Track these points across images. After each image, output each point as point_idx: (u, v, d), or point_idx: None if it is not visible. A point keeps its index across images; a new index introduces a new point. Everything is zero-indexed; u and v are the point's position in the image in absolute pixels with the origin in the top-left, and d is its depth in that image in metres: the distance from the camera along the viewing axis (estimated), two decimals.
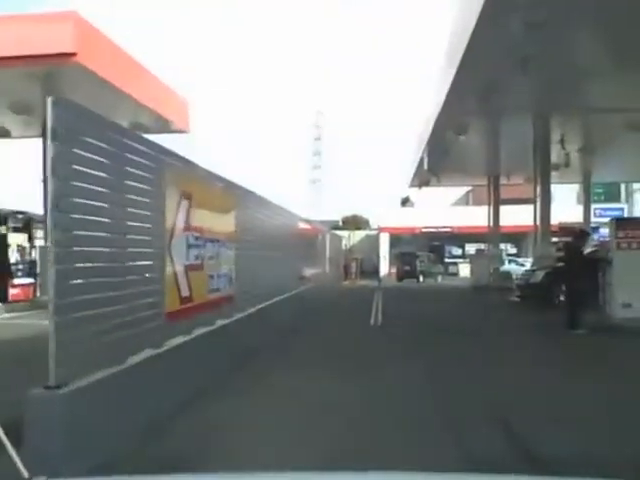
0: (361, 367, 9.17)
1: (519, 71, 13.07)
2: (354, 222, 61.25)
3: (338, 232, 44.51)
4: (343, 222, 61.91)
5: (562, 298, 18.50)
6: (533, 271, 19.62)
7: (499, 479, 3.09)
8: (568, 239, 14.61)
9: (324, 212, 61.13)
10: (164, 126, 21.01)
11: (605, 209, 39.64)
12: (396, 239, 46.05)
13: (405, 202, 56.69)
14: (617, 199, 43.18)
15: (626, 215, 41.89)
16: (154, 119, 20.05)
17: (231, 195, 9.41)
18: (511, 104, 17.36)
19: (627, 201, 42.55)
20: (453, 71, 15.14)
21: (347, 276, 31.34)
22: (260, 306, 10.97)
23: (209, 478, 2.98)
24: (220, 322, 8.63)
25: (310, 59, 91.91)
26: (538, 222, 22.55)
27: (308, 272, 18.80)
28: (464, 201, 52.94)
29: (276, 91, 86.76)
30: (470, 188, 50.59)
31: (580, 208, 36.09)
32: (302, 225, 17.91)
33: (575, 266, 13.10)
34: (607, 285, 13.34)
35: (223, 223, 8.91)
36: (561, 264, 20.88)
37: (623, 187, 43.49)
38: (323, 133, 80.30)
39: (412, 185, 31.93)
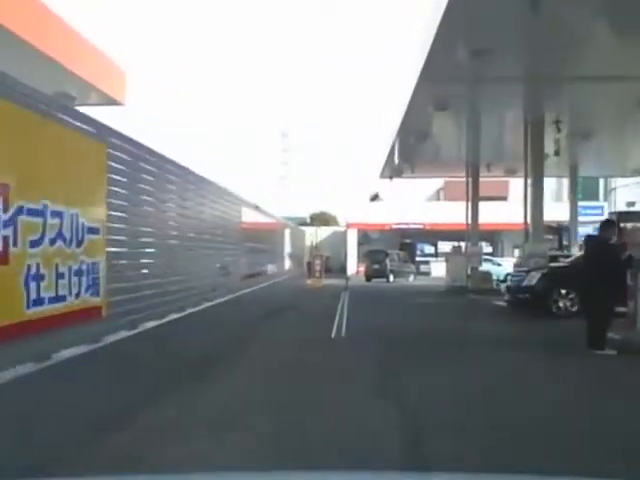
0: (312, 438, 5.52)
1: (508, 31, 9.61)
2: (322, 219, 57.76)
3: (303, 228, 40.94)
4: (311, 219, 58.35)
5: (561, 305, 15.17)
6: (527, 272, 16.15)
7: (499, 479, 2.85)
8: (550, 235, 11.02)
9: (293, 209, 57.54)
10: (95, 96, 17.48)
11: (584, 207, 36.67)
12: (365, 236, 42.53)
13: (374, 198, 53.25)
14: (596, 197, 40.24)
15: (605, 215, 39.08)
16: (82, 87, 16.46)
17: (101, 150, 5.70)
18: (497, 72, 13.85)
19: (606, 199, 39.60)
20: (436, 24, 11.58)
21: (311, 274, 27.67)
22: (164, 320, 7.29)
23: (209, 478, 2.74)
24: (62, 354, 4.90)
25: (278, 56, 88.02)
26: (529, 217, 19.05)
27: (261, 270, 15.15)
28: (435, 199, 49.67)
29: (243, 87, 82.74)
30: (441, 185, 47.38)
31: (558, 206, 33.11)
32: (256, 216, 14.24)
33: (604, 266, 9.61)
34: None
35: (82, 189, 5.20)
36: (558, 264, 17.30)
37: (602, 184, 40.59)
38: (292, 128, 76.52)
39: (383, 176, 28.35)
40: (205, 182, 9.49)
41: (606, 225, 10.23)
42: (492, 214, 33.00)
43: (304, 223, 51.28)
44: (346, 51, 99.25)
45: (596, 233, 10.87)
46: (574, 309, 15.06)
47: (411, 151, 22.07)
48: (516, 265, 25.63)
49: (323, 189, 65.94)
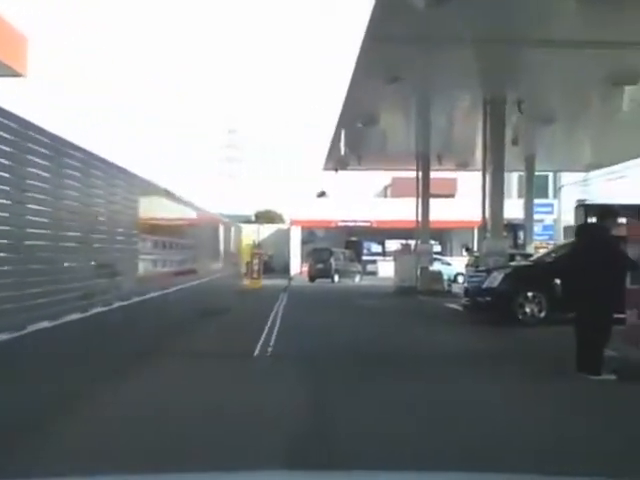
0: None
1: None
2: (267, 217, 55.05)
3: (245, 225, 38.13)
4: (256, 216, 55.54)
5: (527, 310, 12.88)
6: (487, 272, 13.81)
7: (499, 479, 2.71)
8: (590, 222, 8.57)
9: (240, 207, 54.62)
10: None
11: (534, 204, 34.92)
12: (311, 234, 39.97)
13: (321, 195, 50.76)
14: (545, 195, 38.57)
15: (555, 213, 37.52)
16: None
17: None
18: (454, 31, 11.42)
19: (555, 197, 37.97)
20: None
21: (248, 274, 24.95)
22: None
23: (209, 478, 2.64)
24: None
25: (220, 52, 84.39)
26: (487, 213, 16.73)
27: (179, 269, 12.42)
28: (383, 196, 47.46)
29: (188, 83, 79.13)
30: (389, 182, 45.18)
31: (507, 202, 31.07)
32: (171, 207, 11.49)
33: (605, 262, 7.24)
34: None
35: None
36: (522, 263, 15.10)
37: (551, 182, 38.97)
38: (239, 125, 73.39)
39: (327, 168, 25.81)
40: (80, 157, 6.71)
41: (607, 213, 7.86)
42: (440, 212, 30.90)
43: (249, 221, 48.48)
44: (290, 39, 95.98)
45: (592, 222, 8.54)
46: (542, 315, 12.83)
47: (356, 138, 19.55)
48: (469, 264, 23.49)
49: (270, 186, 63.28)
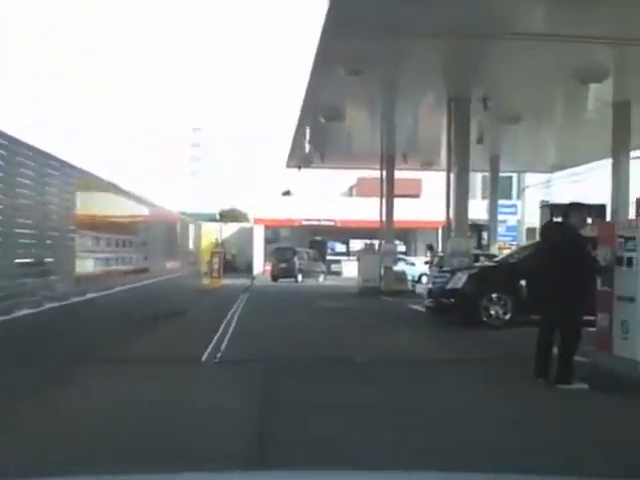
0: None
1: None
2: (232, 215, 54.15)
3: (208, 224, 37.29)
4: (221, 215, 54.60)
5: (492, 312, 12.41)
6: (451, 272, 13.31)
7: (499, 479, 2.75)
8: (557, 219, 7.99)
9: (205, 205, 53.56)
10: None
11: (498, 205, 34.73)
12: (275, 233, 39.22)
13: (286, 194, 50.04)
14: (508, 196, 38.45)
15: (518, 214, 37.40)
16: None
17: None
18: (419, 24, 10.89)
19: (519, 198, 37.90)
20: None
21: (208, 273, 24.14)
22: None
23: (209, 478, 2.64)
24: None
25: (186, 55, 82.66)
26: (451, 212, 16.25)
27: (129, 268, 11.66)
28: (347, 196, 46.95)
29: (150, 81, 77.40)
30: (355, 182, 44.68)
31: (470, 203, 30.76)
32: (117, 202, 10.71)
33: (573, 262, 6.75)
34: (619, 302, 7.03)
35: None
36: (487, 264, 14.69)
37: (515, 183, 38.90)
38: (203, 123, 72.13)
39: (290, 166, 25.12)
40: (1, 143, 5.94)
41: (573, 211, 7.35)
42: (405, 212, 30.48)
43: (214, 220, 47.55)
44: (253, 33, 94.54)
45: (557, 221, 7.99)
46: (507, 317, 12.37)
47: (319, 135, 18.93)
48: (429, 263, 23.03)
49: (236, 184, 62.27)
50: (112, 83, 72.72)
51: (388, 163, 22.80)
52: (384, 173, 22.92)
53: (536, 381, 7.01)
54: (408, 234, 37.77)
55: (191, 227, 21.58)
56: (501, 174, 29.08)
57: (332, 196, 42.09)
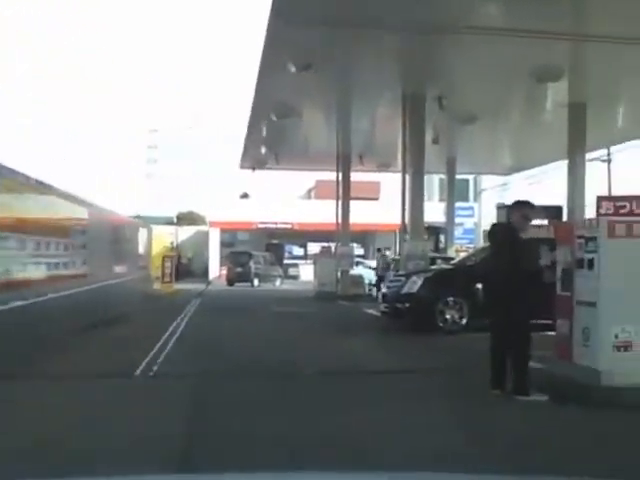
0: None
1: None
2: (189, 218, 53.05)
3: (163, 227, 36.24)
4: (178, 218, 53.45)
5: (448, 317, 11.97)
6: (407, 276, 12.81)
7: (499, 479, 2.77)
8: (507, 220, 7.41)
9: (162, 208, 52.33)
10: None
11: (455, 207, 34.56)
12: (232, 236, 38.36)
13: (244, 197, 49.21)
14: (465, 198, 38.38)
15: (475, 216, 37.31)
16: None
17: None
18: (370, 15, 10.36)
19: (476, 200, 37.84)
20: None
21: (160, 278, 23.26)
22: None
23: (209, 478, 2.71)
24: None
25: (142, 56, 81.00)
26: (407, 214, 15.80)
27: (69, 272, 10.87)
28: (306, 199, 46.35)
29: (107, 83, 75.55)
30: (313, 184, 44.11)
31: (427, 205, 30.39)
32: (42, 200, 9.89)
33: (508, 265, 6.33)
34: (580, 307, 6.57)
35: None
36: (443, 267, 14.30)
37: (472, 186, 38.87)
38: (159, 124, 70.65)
39: (244, 167, 24.42)
40: None
41: (516, 208, 6.88)
42: (364, 215, 30.10)
43: (171, 222, 46.45)
44: (204, 30, 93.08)
45: (501, 222, 7.53)
46: (463, 322, 11.93)
47: (273, 134, 18.34)
48: (375, 269, 22.58)
49: (193, 187, 61.10)
50: (111, 83, 70.71)
51: (344, 164, 22.31)
52: (340, 175, 22.40)
53: (492, 393, 6.53)
54: (367, 237, 37.38)
55: (142, 230, 20.66)
56: (458, 176, 28.89)
57: (291, 199, 41.44)
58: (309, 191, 46.96)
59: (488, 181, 35.98)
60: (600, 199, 7.04)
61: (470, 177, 37.08)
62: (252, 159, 22.44)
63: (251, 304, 20.56)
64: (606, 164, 32.64)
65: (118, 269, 16.08)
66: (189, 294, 22.20)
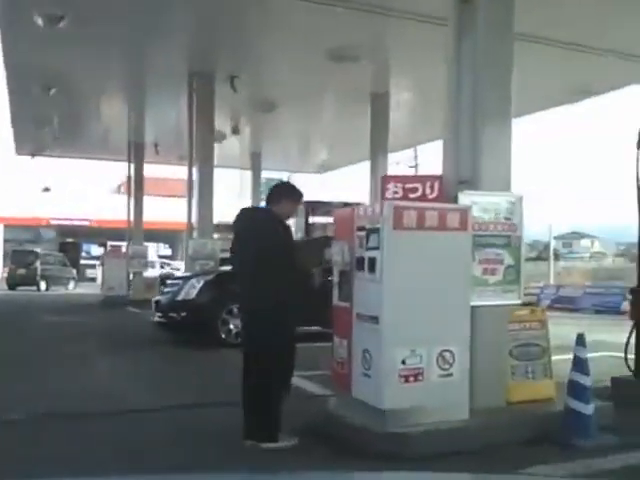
0: None
1: None
2: None
3: None
4: None
5: (232, 327, 10.09)
6: (185, 279, 10.73)
7: (499, 479, 2.69)
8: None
9: None
10: None
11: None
12: (20, 232, 33.81)
13: (46, 191, 44.03)
14: None
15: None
16: None
17: None
18: None
19: None
20: None
21: None
22: None
23: (209, 478, 2.55)
24: None
25: None
26: (193, 210, 13.86)
27: None
28: (117, 194, 42.43)
29: None
30: (122, 181, 40.39)
31: (242, 203, 28.53)
32: None
33: (267, 262, 4.60)
34: (359, 322, 4.88)
35: None
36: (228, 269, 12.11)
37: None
38: None
39: (21, 153, 20.90)
40: None
41: (281, 190, 5.15)
42: (174, 213, 27.62)
43: None
44: None
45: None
46: None
47: (45, 112, 15.36)
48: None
49: None
50: None
51: (137, 154, 19.70)
52: (132, 165, 19.78)
53: (244, 444, 4.66)
54: (176, 237, 34.72)
55: None
56: (272, 174, 27.45)
57: (100, 194, 37.42)
58: (119, 186, 43.09)
59: (310, 180, 34.95)
60: (386, 179, 5.40)
61: (285, 175, 35.81)
62: (29, 144, 19.09)
63: (22, 312, 17.35)
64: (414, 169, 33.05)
65: None
66: None
